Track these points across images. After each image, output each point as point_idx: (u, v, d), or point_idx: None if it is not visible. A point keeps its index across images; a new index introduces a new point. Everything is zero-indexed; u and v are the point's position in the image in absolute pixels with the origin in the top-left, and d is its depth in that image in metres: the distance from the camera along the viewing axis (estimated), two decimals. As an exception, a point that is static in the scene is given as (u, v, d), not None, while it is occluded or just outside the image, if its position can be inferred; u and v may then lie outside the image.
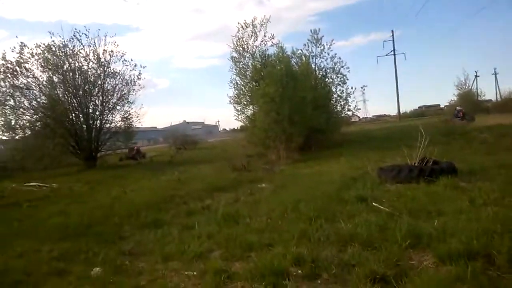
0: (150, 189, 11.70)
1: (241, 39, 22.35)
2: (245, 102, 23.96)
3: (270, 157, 18.10)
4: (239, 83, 23.15)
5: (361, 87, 31.21)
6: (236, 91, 23.57)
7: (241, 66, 22.97)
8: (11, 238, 6.98)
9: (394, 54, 61.24)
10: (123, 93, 24.12)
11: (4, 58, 21.25)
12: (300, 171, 13.23)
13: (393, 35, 62.14)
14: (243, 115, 23.81)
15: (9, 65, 21.19)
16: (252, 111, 23.68)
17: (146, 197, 10.04)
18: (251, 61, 22.73)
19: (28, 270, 5.07)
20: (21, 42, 21.60)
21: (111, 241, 6.35)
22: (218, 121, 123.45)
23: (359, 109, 27.28)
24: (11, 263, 5.45)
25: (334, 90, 23.52)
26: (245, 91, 23.56)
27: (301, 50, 22.78)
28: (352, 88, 23.56)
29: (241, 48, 22.48)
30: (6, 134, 22.07)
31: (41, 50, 21.83)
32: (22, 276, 4.90)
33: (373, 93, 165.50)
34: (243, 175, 13.20)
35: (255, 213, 7.21)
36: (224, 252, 5.26)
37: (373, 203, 6.90)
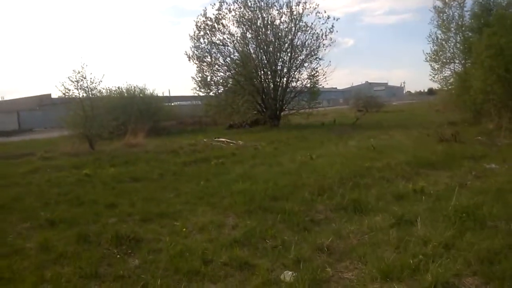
0: (339, 156, 10.00)
1: (449, -16, 19.14)
2: (444, 60, 20.54)
3: (485, 127, 14.22)
4: (439, 37, 20.46)
5: None
6: (435, 46, 20.75)
7: (444, 18, 20.12)
8: (195, 202, 6.34)
9: None
10: (312, 48, 22.94)
11: (204, 15, 22.57)
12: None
13: None
14: (440, 74, 20.81)
15: (208, 22, 22.44)
16: (453, 70, 20.04)
17: (336, 166, 8.36)
18: (458, 11, 19.55)
19: (206, 256, 4.01)
20: (221, -2, 22.45)
21: (302, 225, 4.90)
22: (404, 83, 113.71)
23: None
24: (190, 241, 4.52)
25: None
26: (447, 46, 20.62)
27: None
28: None
29: (447, -5, 19.33)
30: (202, 90, 23.71)
31: (238, 5, 22.33)
32: (199, 263, 3.83)
33: None
34: (454, 148, 10.29)
35: (506, 212, 4.74)
36: (493, 290, 3.12)
37: None
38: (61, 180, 8.92)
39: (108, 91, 23.57)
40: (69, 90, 14.88)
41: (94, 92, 15.43)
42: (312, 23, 23.02)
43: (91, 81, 15.04)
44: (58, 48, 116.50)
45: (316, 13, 22.79)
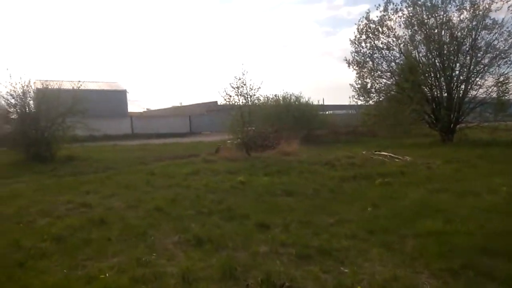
0: None
1: None
2: None
3: None
4: None
5: None
6: None
7: None
8: (365, 237, 4.82)
9: None
10: (500, 50, 18.80)
11: (367, 17, 20.76)
12: None
13: None
14: None
15: (371, 25, 20.55)
16: None
17: None
18: None
19: None
20: (386, -1, 20.39)
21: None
22: None
23: None
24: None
25: None
26: None
27: None
28: None
29: None
30: (361, 98, 21.86)
31: (407, 4, 19.92)
32: None
33: None
34: None
35: None
36: None
37: None
38: (216, 185, 8.86)
39: (266, 98, 23.82)
40: (230, 96, 15.20)
41: (252, 98, 15.36)
42: (503, 19, 18.85)
43: (250, 88, 15.07)
44: (228, 60, 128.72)
45: (508, 7, 18.50)
